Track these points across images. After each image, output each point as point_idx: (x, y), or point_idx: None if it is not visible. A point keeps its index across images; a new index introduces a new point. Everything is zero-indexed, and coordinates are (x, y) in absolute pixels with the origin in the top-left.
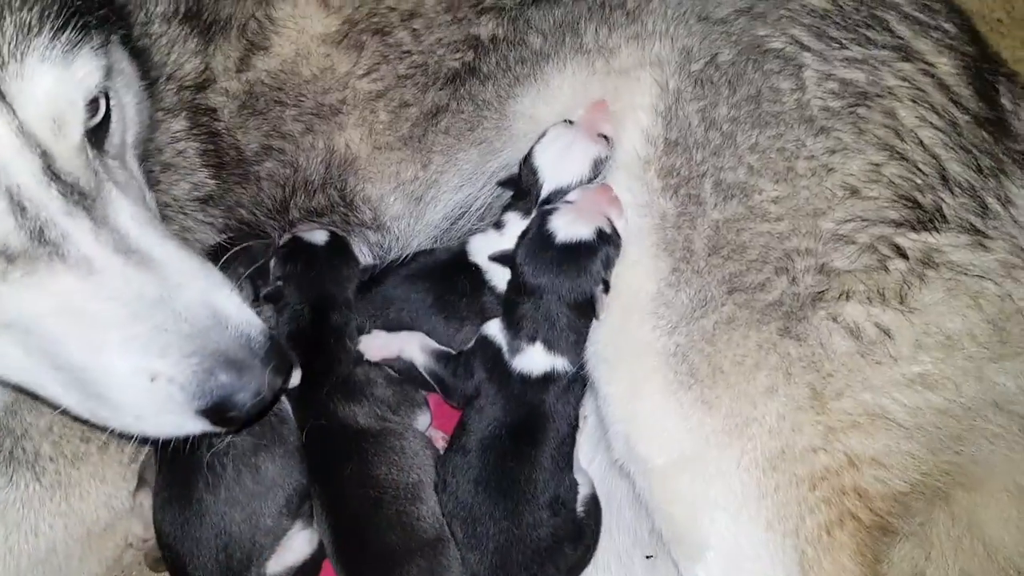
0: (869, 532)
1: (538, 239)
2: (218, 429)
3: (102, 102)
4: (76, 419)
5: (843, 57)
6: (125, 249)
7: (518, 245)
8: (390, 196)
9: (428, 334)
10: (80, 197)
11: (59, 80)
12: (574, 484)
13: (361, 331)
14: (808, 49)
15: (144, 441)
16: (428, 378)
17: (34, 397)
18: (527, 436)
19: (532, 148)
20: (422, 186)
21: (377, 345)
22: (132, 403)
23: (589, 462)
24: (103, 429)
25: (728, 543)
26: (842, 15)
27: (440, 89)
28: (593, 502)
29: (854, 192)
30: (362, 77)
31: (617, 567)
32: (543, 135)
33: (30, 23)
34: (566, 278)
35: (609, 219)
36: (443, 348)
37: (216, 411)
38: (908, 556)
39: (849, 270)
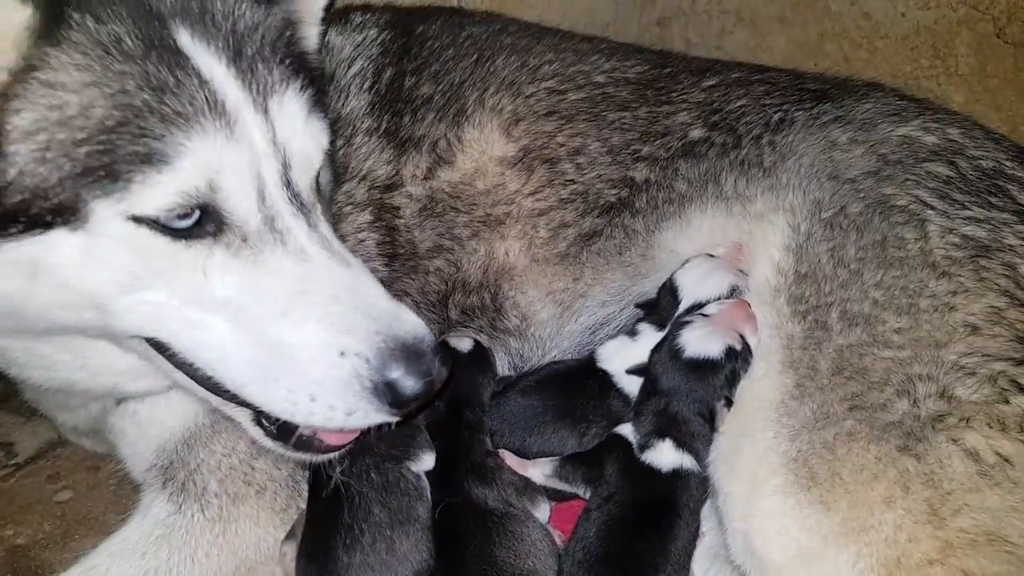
0: None
1: (669, 351)
2: (390, 414)
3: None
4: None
5: (965, 216)
6: (329, 249)
7: (652, 351)
8: (539, 303)
9: (553, 437)
10: (301, 206)
11: (306, 119)
12: None
13: (492, 432)
14: (932, 207)
15: (303, 470)
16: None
17: (212, 388)
18: (654, 524)
19: (674, 273)
20: (570, 296)
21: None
22: (318, 374)
23: (705, 573)
24: (270, 425)
25: None
26: (964, 182)
27: (597, 216)
28: None
29: (975, 329)
30: (528, 196)
31: None
32: (685, 262)
33: (289, 73)
34: (691, 390)
35: (742, 336)
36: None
37: (393, 390)
38: None
39: (970, 399)
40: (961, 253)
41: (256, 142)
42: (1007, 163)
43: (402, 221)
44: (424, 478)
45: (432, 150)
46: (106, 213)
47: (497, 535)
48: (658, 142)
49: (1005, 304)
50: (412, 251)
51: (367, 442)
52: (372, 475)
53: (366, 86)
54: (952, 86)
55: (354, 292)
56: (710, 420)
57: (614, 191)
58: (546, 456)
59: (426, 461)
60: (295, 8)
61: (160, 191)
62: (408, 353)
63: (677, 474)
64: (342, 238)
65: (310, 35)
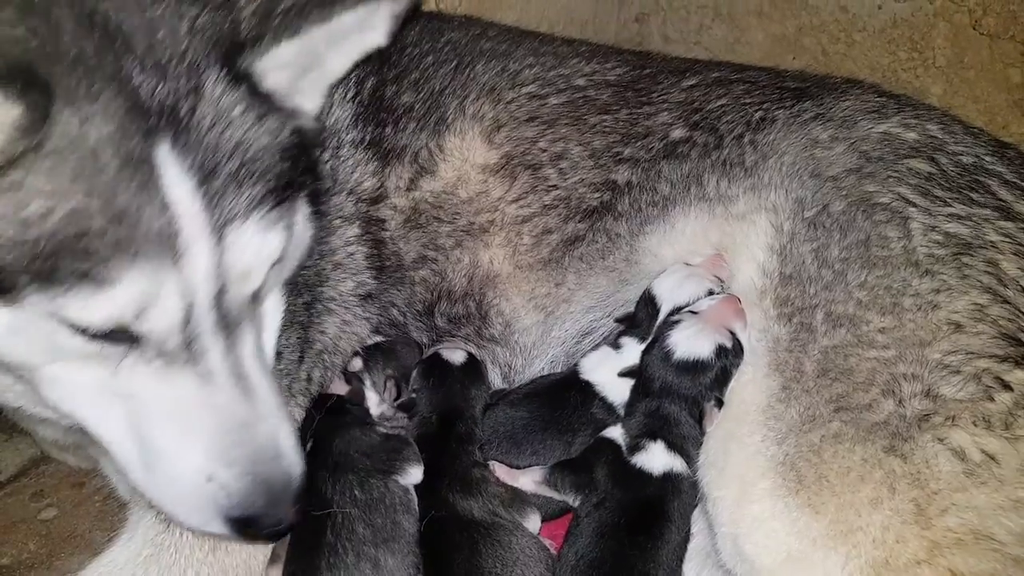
0: None
1: (659, 353)
2: (234, 535)
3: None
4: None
5: (947, 213)
6: (238, 374)
7: (644, 352)
8: (522, 309)
9: (541, 447)
10: (226, 326)
11: (261, 243)
12: None
13: (482, 443)
14: (914, 205)
15: None
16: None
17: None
18: (646, 529)
19: (652, 283)
20: (553, 301)
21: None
22: (181, 490)
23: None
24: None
25: None
26: (946, 178)
27: (579, 221)
28: None
29: (959, 327)
30: (512, 203)
31: None
32: (661, 272)
33: (257, 197)
34: (681, 391)
35: (732, 332)
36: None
37: (242, 522)
38: None
39: (956, 397)
40: (943, 251)
41: (199, 272)
42: (987, 158)
43: (388, 233)
44: (412, 492)
45: (414, 160)
46: (36, 304)
47: (484, 546)
48: (639, 143)
49: (988, 301)
50: (398, 263)
51: (351, 459)
52: (355, 492)
53: (349, 96)
54: (930, 78)
55: (243, 428)
56: (699, 421)
57: (597, 195)
58: (537, 466)
59: (414, 475)
60: (298, 104)
61: (90, 310)
62: (270, 499)
63: (668, 477)
64: (331, 251)
65: (312, 106)
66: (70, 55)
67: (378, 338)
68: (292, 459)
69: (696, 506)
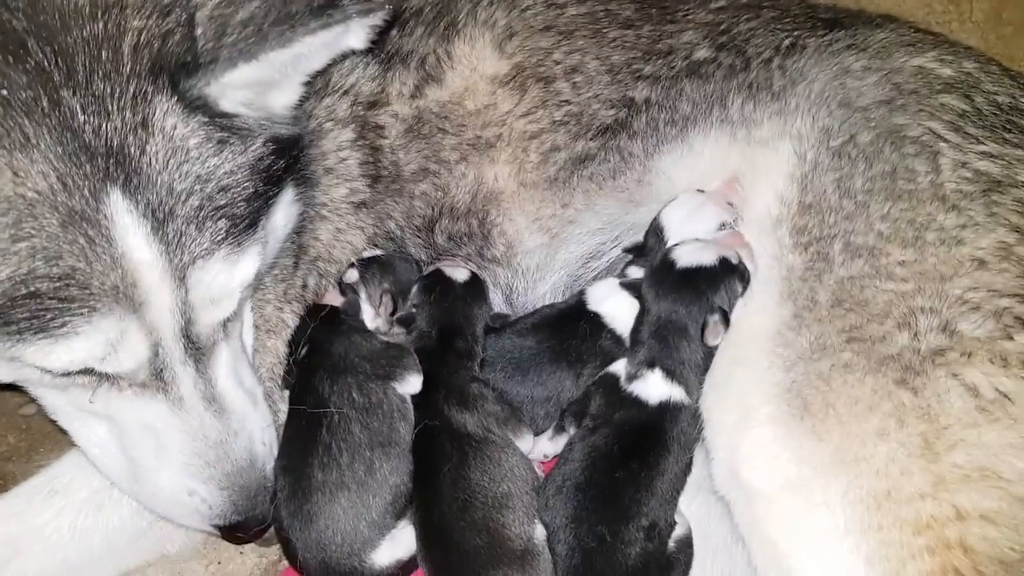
0: None
1: (661, 266)
2: (225, 539)
3: None
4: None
5: (979, 151)
6: (210, 397)
7: (645, 272)
8: (526, 231)
9: (550, 379)
10: (196, 352)
11: (228, 277)
12: (673, 522)
13: (485, 363)
14: (945, 140)
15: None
16: None
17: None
18: (640, 457)
19: (660, 211)
20: (559, 223)
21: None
22: (167, 501)
23: (688, 505)
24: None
25: (825, 574)
26: (979, 116)
27: (591, 139)
28: (686, 543)
29: (983, 264)
30: (520, 117)
31: None
32: (673, 200)
33: (223, 230)
34: (682, 304)
35: (738, 253)
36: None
37: (228, 528)
38: None
39: (973, 335)
40: (972, 187)
41: (163, 314)
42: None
43: (387, 141)
44: (409, 401)
45: (420, 66)
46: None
47: (473, 459)
48: (661, 61)
49: (1015, 240)
50: (397, 173)
51: (351, 362)
52: (354, 395)
53: None
54: (965, 33)
55: (216, 447)
56: (702, 335)
57: (611, 112)
58: (545, 401)
59: (413, 383)
60: (268, 105)
61: (50, 360)
62: (249, 504)
63: (665, 407)
64: (322, 155)
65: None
66: None
67: (375, 251)
68: (264, 461)
69: (699, 440)
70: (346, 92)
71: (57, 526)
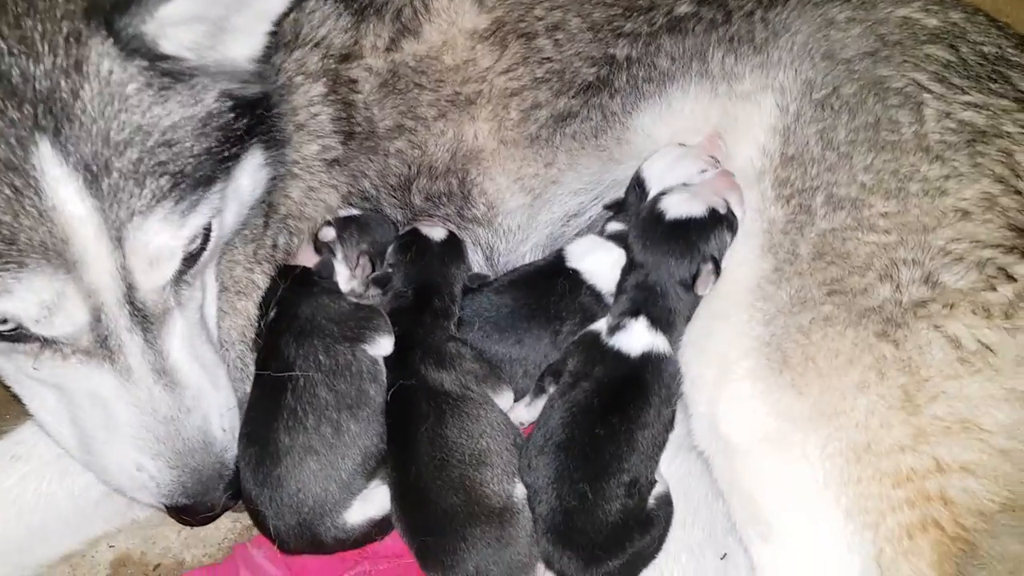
0: (953, 544)
1: (649, 216)
2: (172, 517)
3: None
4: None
5: (964, 101)
6: (160, 369)
7: (632, 223)
8: (507, 191)
9: (527, 336)
10: (143, 320)
11: (170, 237)
12: (653, 480)
13: (462, 322)
14: (929, 91)
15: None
16: None
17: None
18: (620, 410)
19: (641, 165)
20: (542, 183)
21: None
22: (117, 475)
23: (668, 463)
24: None
25: (804, 527)
26: (965, 67)
27: (572, 97)
28: (665, 500)
29: (966, 215)
30: (501, 74)
31: (688, 559)
32: (653, 153)
33: (164, 188)
34: (673, 256)
35: (726, 202)
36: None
37: (175, 508)
38: None
39: (956, 286)
40: (956, 138)
41: (100, 276)
42: (1010, 50)
43: (360, 96)
44: (380, 362)
45: (396, 18)
46: None
47: (451, 416)
48: (642, 18)
49: (999, 191)
50: (371, 130)
51: (318, 324)
52: (320, 358)
53: None
54: None
55: (167, 423)
56: (692, 285)
57: (593, 69)
58: (524, 360)
59: (383, 345)
60: (223, 55)
61: None
62: (199, 488)
63: (648, 359)
64: (293, 111)
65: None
66: None
67: (352, 210)
68: (223, 446)
69: (681, 393)
70: (317, 44)
71: (21, 491)
